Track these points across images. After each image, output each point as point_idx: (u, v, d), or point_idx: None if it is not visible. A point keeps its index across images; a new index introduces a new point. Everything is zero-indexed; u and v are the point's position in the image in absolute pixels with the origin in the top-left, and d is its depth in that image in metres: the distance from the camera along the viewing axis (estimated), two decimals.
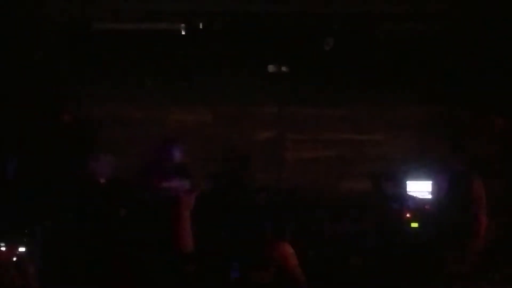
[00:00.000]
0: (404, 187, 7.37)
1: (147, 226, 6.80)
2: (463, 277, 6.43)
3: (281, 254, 6.61)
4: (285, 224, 7.07)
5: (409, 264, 6.81)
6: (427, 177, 7.22)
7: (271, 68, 7.64)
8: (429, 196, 7.17)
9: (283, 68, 7.64)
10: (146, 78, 7.87)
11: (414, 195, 7.36)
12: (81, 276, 6.46)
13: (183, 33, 6.89)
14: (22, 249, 6.19)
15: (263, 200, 7.55)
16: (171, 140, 7.06)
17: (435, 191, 6.93)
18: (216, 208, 7.34)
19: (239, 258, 6.88)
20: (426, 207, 7.06)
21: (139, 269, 6.66)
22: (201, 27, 6.92)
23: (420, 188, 7.36)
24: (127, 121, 7.99)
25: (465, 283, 6.41)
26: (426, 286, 6.55)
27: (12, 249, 6.19)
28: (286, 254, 6.61)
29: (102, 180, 6.89)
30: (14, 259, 6.16)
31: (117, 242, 6.73)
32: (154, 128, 7.97)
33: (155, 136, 7.87)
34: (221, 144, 8.00)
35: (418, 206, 7.20)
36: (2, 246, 6.11)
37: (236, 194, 7.49)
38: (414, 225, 7.20)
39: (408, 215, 7.23)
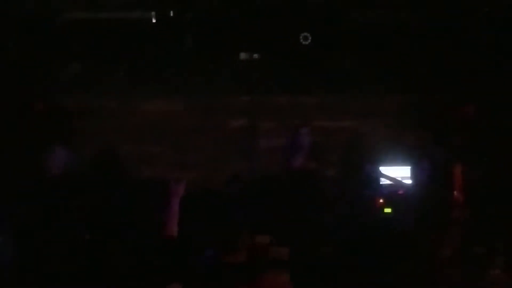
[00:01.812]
0: (377, 173, 7.54)
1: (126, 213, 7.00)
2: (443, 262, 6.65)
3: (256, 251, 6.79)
4: (258, 215, 7.24)
5: (383, 251, 6.98)
6: (403, 163, 7.41)
7: (242, 55, 7.77)
8: (408, 181, 7.36)
9: (255, 56, 7.77)
10: (117, 68, 7.95)
11: (388, 181, 7.54)
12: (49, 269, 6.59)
13: (153, 21, 7.01)
14: None
15: (236, 190, 7.67)
16: (303, 124, 7.48)
17: (415, 176, 7.13)
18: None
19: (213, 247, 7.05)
20: (400, 192, 7.24)
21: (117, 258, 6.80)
22: (171, 15, 7.06)
23: (397, 174, 7.52)
24: (98, 112, 8.06)
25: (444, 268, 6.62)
26: (402, 273, 6.73)
27: None
28: (261, 253, 6.80)
29: (57, 173, 7.03)
30: None
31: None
32: (125, 118, 8.07)
33: (127, 127, 8.01)
34: (194, 134, 8.12)
35: (392, 191, 7.37)
36: None
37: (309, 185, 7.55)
38: (387, 210, 7.39)
39: (381, 201, 7.41)
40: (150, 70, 7.98)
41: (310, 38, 7.50)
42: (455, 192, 6.84)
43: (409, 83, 7.97)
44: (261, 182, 7.84)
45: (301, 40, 7.50)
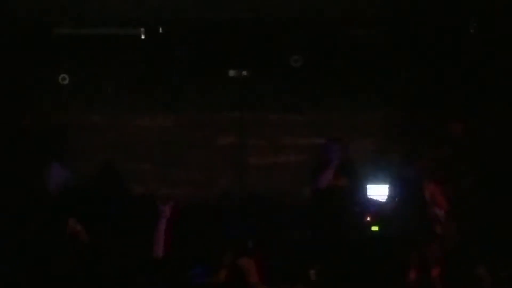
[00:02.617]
0: (364, 190, 7.63)
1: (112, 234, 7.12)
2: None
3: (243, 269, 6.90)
4: (248, 233, 7.32)
5: (372, 268, 7.07)
6: (385, 181, 7.52)
7: (232, 72, 7.88)
8: (386, 200, 7.47)
9: (244, 73, 7.87)
10: (107, 84, 8.04)
11: (375, 199, 7.63)
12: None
13: (142, 37, 7.13)
14: None
15: (226, 206, 7.76)
16: (334, 140, 7.48)
17: (391, 195, 7.24)
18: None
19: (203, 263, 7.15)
20: (386, 210, 7.33)
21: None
22: (161, 31, 7.19)
23: (379, 192, 7.64)
24: (88, 128, 8.14)
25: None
26: None
27: None
28: (247, 271, 6.90)
29: (54, 190, 7.11)
30: None
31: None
32: (114, 134, 8.16)
33: (116, 143, 8.10)
34: (183, 150, 8.21)
35: (378, 209, 7.47)
36: None
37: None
38: (375, 228, 7.47)
39: (368, 219, 7.50)
40: (141, 86, 8.07)
41: (301, 60, 7.64)
42: (434, 209, 6.95)
43: (395, 99, 8.09)
44: (251, 200, 7.94)
45: (292, 63, 7.64)
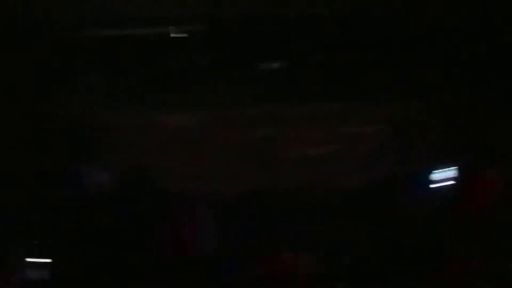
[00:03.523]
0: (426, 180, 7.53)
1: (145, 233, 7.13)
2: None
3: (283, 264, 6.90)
4: (284, 229, 7.32)
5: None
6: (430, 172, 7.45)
7: (262, 65, 7.85)
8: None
9: (275, 65, 7.84)
10: (136, 82, 8.06)
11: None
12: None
13: (171, 35, 7.13)
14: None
15: (261, 202, 7.76)
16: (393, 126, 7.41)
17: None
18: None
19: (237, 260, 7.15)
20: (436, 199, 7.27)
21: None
22: (189, 27, 7.18)
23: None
24: (118, 127, 8.16)
25: None
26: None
27: None
28: (287, 266, 6.90)
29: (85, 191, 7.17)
30: None
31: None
32: (144, 133, 8.16)
33: (146, 141, 8.12)
34: (215, 145, 8.20)
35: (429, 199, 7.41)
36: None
37: None
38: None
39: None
40: (170, 83, 8.08)
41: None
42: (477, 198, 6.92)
43: (434, 88, 8.01)
44: (285, 194, 7.93)
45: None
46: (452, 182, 7.26)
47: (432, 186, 7.48)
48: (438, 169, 7.46)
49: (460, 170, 7.14)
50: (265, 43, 7.66)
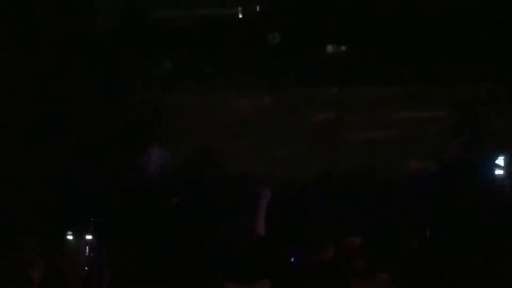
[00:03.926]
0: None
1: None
2: None
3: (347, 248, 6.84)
4: (348, 212, 7.29)
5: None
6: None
7: (329, 48, 7.82)
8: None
9: (342, 48, 7.81)
10: (204, 65, 8.10)
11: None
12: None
13: (240, 16, 7.14)
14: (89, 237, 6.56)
15: (326, 185, 7.74)
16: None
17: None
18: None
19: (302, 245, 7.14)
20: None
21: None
22: (258, 9, 7.18)
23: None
24: (185, 109, 8.22)
25: None
26: None
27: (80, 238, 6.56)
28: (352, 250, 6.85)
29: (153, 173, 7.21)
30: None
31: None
32: (212, 115, 8.21)
33: (213, 123, 8.17)
34: (281, 128, 8.21)
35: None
36: (70, 235, 6.46)
37: None
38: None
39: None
40: (236, 66, 8.11)
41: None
42: None
43: (505, 68, 7.87)
44: (351, 178, 7.89)
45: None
46: None
47: (501, 171, 7.40)
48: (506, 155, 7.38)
49: None
50: (333, 26, 7.64)
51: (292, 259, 7.09)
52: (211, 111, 8.19)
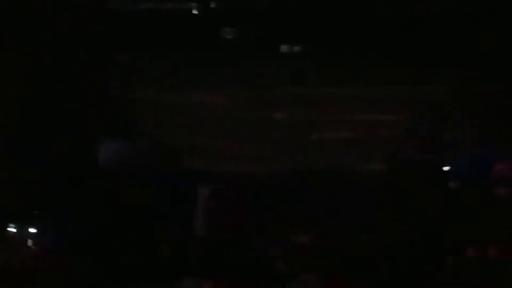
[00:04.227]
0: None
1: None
2: None
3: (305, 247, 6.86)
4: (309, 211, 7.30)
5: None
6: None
7: (285, 47, 7.83)
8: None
9: (298, 48, 7.82)
10: (165, 60, 8.09)
11: None
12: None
13: (194, 12, 7.15)
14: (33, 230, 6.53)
15: (285, 183, 7.75)
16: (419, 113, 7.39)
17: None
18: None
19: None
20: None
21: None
22: (212, 6, 7.19)
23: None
24: (145, 104, 8.21)
25: None
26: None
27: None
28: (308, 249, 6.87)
29: (112, 167, 7.20)
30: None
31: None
32: (172, 110, 8.20)
33: (174, 119, 8.16)
34: (241, 125, 8.21)
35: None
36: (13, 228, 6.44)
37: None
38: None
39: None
40: (197, 62, 8.10)
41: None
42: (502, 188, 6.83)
43: (461, 72, 7.91)
44: (310, 176, 7.90)
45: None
46: (476, 168, 7.20)
47: (453, 172, 7.45)
48: (461, 156, 7.42)
49: (484, 156, 7.06)
50: (289, 26, 7.66)
51: (250, 253, 7.13)
52: (171, 107, 8.19)
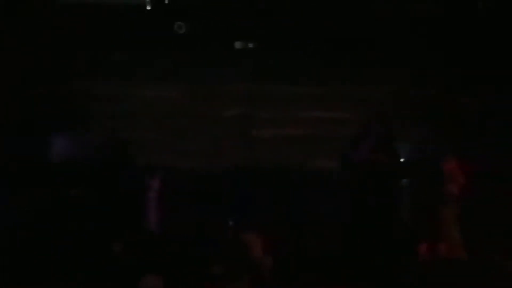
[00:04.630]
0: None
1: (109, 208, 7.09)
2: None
3: (245, 244, 6.84)
4: (254, 207, 7.29)
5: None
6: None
7: (238, 44, 7.82)
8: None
9: (250, 45, 7.81)
10: (115, 54, 8.01)
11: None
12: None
13: (148, 8, 7.08)
14: None
15: (232, 179, 7.74)
16: (374, 115, 7.37)
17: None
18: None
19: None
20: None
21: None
22: (166, 1, 7.12)
23: None
24: (94, 97, 8.11)
25: None
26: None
27: None
28: (251, 244, 6.85)
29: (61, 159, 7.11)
30: None
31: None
32: (121, 104, 8.13)
33: (123, 113, 8.08)
34: (190, 121, 8.17)
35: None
36: None
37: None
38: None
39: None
40: (148, 56, 8.04)
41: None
42: (451, 185, 6.92)
43: (408, 74, 8.02)
44: (258, 172, 7.91)
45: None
46: (430, 170, 7.29)
47: (408, 174, 7.55)
48: (417, 157, 7.52)
49: (439, 158, 7.16)
50: (244, 23, 7.63)
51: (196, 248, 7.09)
52: (120, 101, 8.11)
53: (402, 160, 7.37)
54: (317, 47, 7.92)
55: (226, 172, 7.87)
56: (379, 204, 7.01)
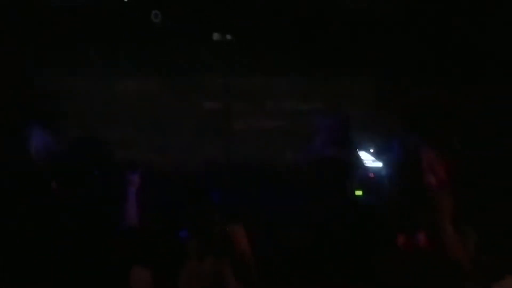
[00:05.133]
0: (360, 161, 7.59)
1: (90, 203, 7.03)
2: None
3: (230, 238, 6.84)
4: (236, 201, 7.30)
5: (353, 234, 7.05)
6: (370, 146, 7.49)
7: (216, 36, 7.82)
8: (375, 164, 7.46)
9: (228, 36, 7.82)
10: (89, 47, 7.99)
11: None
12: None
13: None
14: None
15: (212, 173, 7.74)
16: (330, 108, 7.37)
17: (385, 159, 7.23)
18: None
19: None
20: (371, 175, 7.31)
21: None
22: None
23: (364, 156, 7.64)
24: (70, 92, 8.09)
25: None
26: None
27: None
28: (235, 238, 6.84)
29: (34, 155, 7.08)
30: None
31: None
32: (97, 98, 8.11)
33: (98, 107, 8.05)
34: (167, 115, 8.16)
35: (363, 174, 7.44)
36: None
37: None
38: (358, 193, 7.44)
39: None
40: (123, 50, 8.02)
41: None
42: (430, 177, 6.93)
43: (387, 67, 8.05)
44: (237, 166, 7.93)
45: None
46: (391, 164, 7.33)
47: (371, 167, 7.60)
48: (377, 150, 7.56)
49: (401, 151, 7.19)
50: (221, 14, 7.63)
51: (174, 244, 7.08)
52: (96, 95, 8.10)
53: (361, 152, 7.48)
54: (292, 41, 7.95)
55: (206, 165, 7.88)
56: (342, 198, 7.07)
